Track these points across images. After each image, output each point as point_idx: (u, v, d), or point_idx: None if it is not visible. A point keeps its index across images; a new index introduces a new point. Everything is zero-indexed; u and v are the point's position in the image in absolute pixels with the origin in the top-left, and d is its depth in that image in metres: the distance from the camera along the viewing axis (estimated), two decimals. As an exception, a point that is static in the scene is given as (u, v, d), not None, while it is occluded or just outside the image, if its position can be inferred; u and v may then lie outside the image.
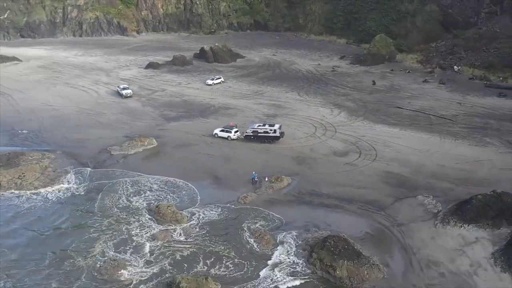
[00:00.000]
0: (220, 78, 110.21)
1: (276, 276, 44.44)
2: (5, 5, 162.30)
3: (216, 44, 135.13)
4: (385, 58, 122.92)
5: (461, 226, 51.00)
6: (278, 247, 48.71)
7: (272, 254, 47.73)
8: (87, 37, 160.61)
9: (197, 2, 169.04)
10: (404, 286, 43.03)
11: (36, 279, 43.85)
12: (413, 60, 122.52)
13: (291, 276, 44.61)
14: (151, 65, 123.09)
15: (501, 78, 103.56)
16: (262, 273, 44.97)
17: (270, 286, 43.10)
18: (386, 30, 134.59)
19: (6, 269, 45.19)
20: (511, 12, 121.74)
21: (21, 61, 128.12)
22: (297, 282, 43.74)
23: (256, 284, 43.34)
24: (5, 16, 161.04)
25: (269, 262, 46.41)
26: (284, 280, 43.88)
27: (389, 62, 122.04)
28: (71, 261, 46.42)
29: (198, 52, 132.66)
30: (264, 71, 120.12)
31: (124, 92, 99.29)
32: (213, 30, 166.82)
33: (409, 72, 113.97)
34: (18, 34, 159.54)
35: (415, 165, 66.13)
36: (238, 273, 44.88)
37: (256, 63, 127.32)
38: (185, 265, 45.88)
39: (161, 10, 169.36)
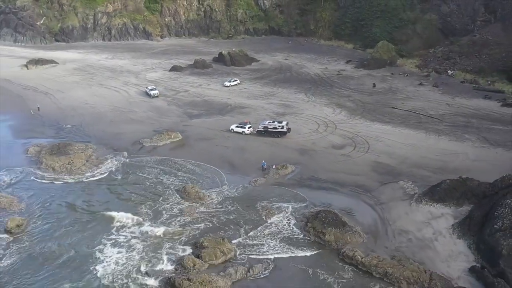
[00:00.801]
0: (236, 80, 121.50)
1: (276, 241, 55.94)
2: (41, 12, 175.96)
3: (233, 49, 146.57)
4: (386, 62, 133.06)
5: (431, 205, 61.59)
6: (280, 219, 60.13)
7: (275, 224, 59.11)
8: (115, 41, 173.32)
9: (216, 9, 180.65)
10: (378, 248, 53.97)
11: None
12: (412, 64, 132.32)
13: (290, 240, 55.99)
14: (174, 68, 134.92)
15: (489, 82, 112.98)
16: (267, 240, 56.32)
17: (272, 250, 54.57)
18: (390, 36, 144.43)
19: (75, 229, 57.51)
20: (503, 21, 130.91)
21: (58, 63, 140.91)
22: (295, 246, 55.27)
23: (262, 247, 54.91)
24: (42, 22, 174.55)
25: (272, 231, 57.77)
26: (282, 245, 55.31)
27: (390, 66, 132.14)
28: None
29: (217, 56, 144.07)
30: (276, 74, 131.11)
31: (151, 92, 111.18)
32: (230, 35, 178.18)
33: (407, 75, 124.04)
34: (53, 38, 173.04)
35: (401, 157, 76.78)
36: (248, 237, 56.43)
37: (269, 67, 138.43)
38: (207, 229, 57.50)
39: (183, 16, 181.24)
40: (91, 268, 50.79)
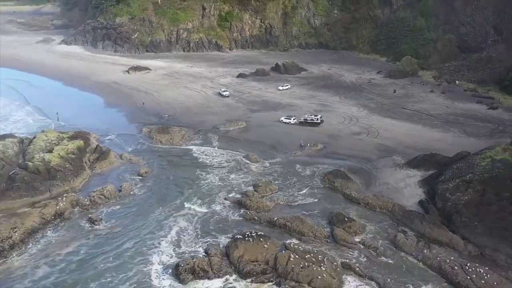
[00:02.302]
0: (287, 85, 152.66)
1: (305, 185, 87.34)
2: (135, 27, 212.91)
3: (287, 60, 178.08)
4: (409, 73, 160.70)
5: (409, 170, 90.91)
6: (309, 174, 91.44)
7: (305, 177, 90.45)
8: (193, 52, 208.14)
9: (275, 27, 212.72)
10: (367, 191, 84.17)
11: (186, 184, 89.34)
12: (429, 75, 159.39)
13: (314, 186, 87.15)
14: (240, 75, 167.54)
15: (486, 91, 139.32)
16: (299, 185, 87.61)
17: (302, 190, 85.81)
18: (415, 52, 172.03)
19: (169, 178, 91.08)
20: (507, 42, 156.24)
21: (151, 70, 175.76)
22: (316, 189, 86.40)
23: (296, 188, 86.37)
24: (135, 36, 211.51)
25: (303, 180, 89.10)
26: (308, 188, 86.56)
27: (412, 77, 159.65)
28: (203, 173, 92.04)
29: (274, 66, 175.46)
30: (319, 81, 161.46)
31: (224, 93, 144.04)
32: (286, 48, 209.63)
33: (423, 84, 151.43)
34: (144, 49, 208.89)
35: (399, 141, 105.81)
36: (288, 183, 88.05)
37: (315, 75, 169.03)
38: (262, 177, 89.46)
39: (248, 32, 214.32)
40: (194, 186, 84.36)
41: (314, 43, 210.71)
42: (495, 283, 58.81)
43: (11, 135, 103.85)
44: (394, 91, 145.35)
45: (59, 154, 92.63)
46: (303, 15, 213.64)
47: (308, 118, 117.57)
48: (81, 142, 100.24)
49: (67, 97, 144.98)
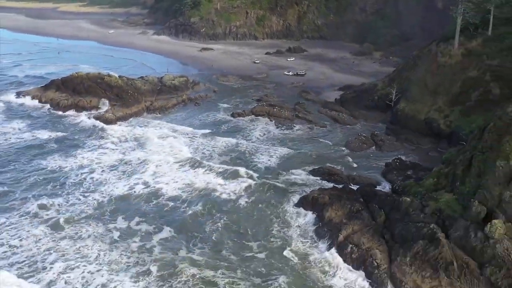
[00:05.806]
0: (293, 58, 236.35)
1: (288, 96, 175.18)
2: (203, 24, 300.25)
3: (294, 45, 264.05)
4: (367, 53, 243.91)
5: (338, 90, 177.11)
6: (293, 93, 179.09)
7: (291, 93, 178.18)
8: (239, 40, 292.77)
9: (292, 25, 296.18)
10: (316, 98, 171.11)
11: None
12: (378, 54, 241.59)
13: (293, 96, 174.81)
14: (267, 53, 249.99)
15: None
16: (287, 96, 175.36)
17: (287, 97, 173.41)
18: (374, 41, 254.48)
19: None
20: (424, 35, 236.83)
21: (214, 50, 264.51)
22: (297, 98, 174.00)
23: (286, 97, 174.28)
24: (203, 30, 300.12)
25: (290, 94, 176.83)
26: (290, 97, 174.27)
27: (368, 55, 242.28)
28: (245, 91, 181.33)
29: (288, 48, 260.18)
30: (313, 57, 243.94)
31: (256, 61, 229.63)
32: (298, 39, 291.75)
33: (371, 59, 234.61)
34: (209, 38, 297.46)
35: (340, 82, 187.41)
36: (282, 96, 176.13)
37: (311, 54, 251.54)
38: (269, 92, 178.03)
39: (274, 28, 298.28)
40: (240, 94, 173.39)
41: (317, 36, 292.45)
42: (346, 119, 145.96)
43: (150, 76, 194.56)
44: (353, 62, 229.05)
45: (178, 81, 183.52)
46: (310, 18, 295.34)
47: (298, 72, 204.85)
48: (185, 78, 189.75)
49: (168, 63, 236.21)
